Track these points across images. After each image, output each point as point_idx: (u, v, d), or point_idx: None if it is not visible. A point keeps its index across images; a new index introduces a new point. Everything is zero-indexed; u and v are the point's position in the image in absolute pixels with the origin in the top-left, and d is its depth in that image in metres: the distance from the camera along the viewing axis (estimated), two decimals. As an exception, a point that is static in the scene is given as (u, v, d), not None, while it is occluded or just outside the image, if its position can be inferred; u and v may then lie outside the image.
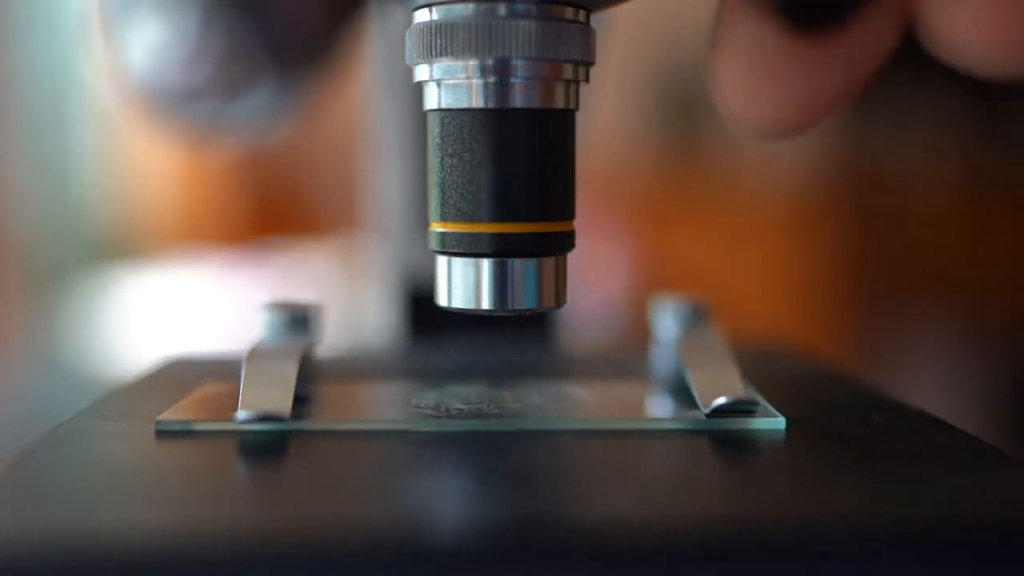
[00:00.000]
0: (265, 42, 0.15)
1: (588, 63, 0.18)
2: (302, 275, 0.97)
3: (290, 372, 0.21)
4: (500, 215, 0.18)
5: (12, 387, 0.93)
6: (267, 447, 0.19)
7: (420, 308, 0.36)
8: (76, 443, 0.19)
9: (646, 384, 0.24)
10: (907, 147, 1.06)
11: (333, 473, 0.18)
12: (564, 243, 0.19)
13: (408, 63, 0.18)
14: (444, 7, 0.18)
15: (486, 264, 0.18)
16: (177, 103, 0.15)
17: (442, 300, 0.19)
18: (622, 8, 0.21)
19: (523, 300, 0.18)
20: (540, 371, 0.27)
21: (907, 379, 0.96)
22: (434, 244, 0.19)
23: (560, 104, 0.18)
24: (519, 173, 0.18)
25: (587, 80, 0.19)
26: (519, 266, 0.18)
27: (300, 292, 0.38)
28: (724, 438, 0.19)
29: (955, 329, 1.01)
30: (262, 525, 0.15)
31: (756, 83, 0.18)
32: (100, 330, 0.98)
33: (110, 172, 1.15)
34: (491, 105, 0.18)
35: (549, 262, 0.18)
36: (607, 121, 1.04)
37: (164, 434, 0.19)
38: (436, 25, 0.17)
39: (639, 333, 0.28)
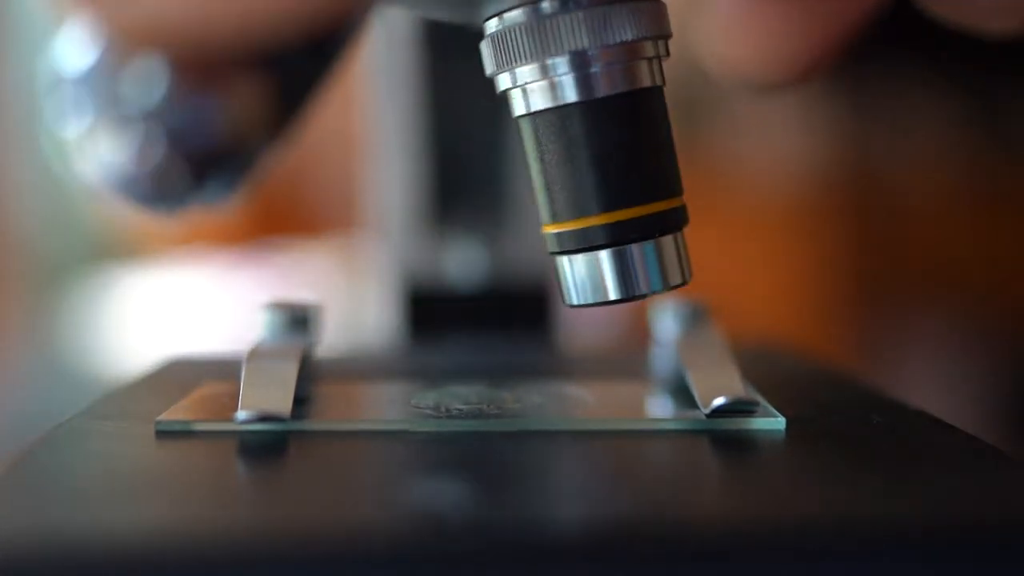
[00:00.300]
0: (204, 146, 0.14)
1: (666, 36, 0.18)
2: (302, 275, 0.97)
3: (290, 372, 0.21)
4: (609, 204, 0.18)
5: (12, 387, 0.93)
6: (267, 447, 0.19)
7: (420, 308, 0.36)
8: (76, 443, 0.19)
9: (646, 384, 0.24)
10: (907, 147, 1.06)
11: (333, 473, 0.18)
12: (678, 219, 0.18)
13: (489, 75, 0.18)
14: (511, 13, 0.18)
15: (605, 256, 0.18)
16: (133, 205, 0.14)
17: (569, 300, 0.19)
18: None
19: (649, 284, 0.18)
20: (540, 371, 0.27)
21: (907, 379, 0.96)
22: (551, 247, 0.19)
23: (647, 83, 0.18)
24: (620, 159, 0.18)
25: (668, 54, 0.18)
26: (638, 251, 0.18)
27: (300, 292, 0.38)
28: (724, 438, 0.19)
29: (955, 329, 1.01)
30: (262, 525, 0.15)
31: (742, 27, 0.18)
32: (100, 330, 0.98)
33: (110, 172, 1.15)
34: (580, 98, 0.17)
35: (667, 241, 0.18)
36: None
37: (164, 434, 0.19)
38: (510, 30, 0.17)
39: (639, 333, 0.28)
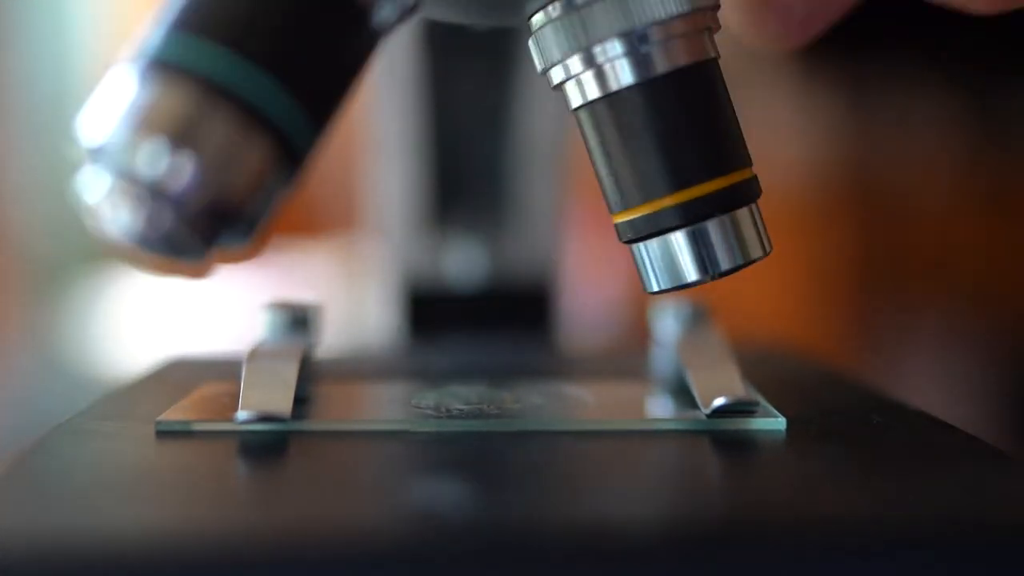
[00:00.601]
0: (211, 210, 0.15)
1: (716, 6, 0.18)
2: (302, 275, 0.97)
3: (290, 373, 0.21)
4: (678, 183, 0.17)
5: (12, 387, 0.93)
6: (267, 447, 0.19)
7: (420, 308, 0.36)
8: (76, 443, 0.19)
9: (646, 384, 0.24)
10: (907, 147, 1.06)
11: (333, 474, 0.18)
12: (750, 191, 0.18)
13: (541, 73, 0.18)
14: (553, 5, 0.17)
15: (680, 236, 0.18)
16: (154, 258, 0.15)
17: (650, 287, 0.18)
18: None
19: (731, 258, 0.18)
20: (540, 371, 0.27)
21: (907, 379, 0.96)
22: (624, 235, 0.18)
23: (702, 56, 0.17)
24: (684, 135, 0.17)
25: (719, 26, 0.18)
26: (714, 227, 0.18)
27: (300, 292, 0.38)
28: (724, 438, 0.19)
29: (955, 329, 1.01)
30: (262, 526, 0.15)
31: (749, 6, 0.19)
32: (100, 330, 0.98)
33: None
34: (636, 79, 0.17)
35: (743, 214, 0.18)
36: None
37: (164, 434, 0.19)
38: (555, 23, 0.17)
39: (639, 333, 0.28)
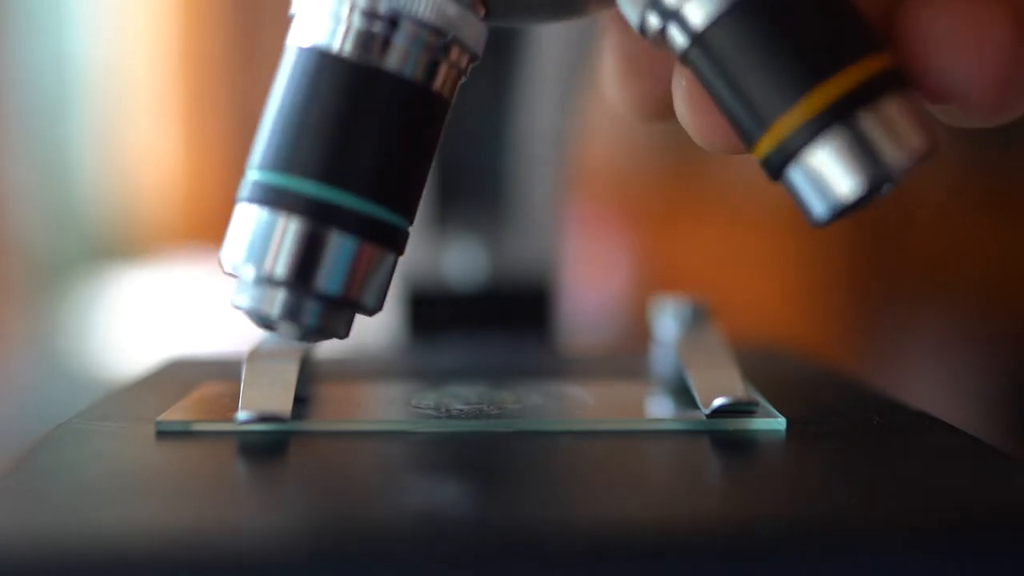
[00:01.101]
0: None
1: None
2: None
3: (290, 373, 0.21)
4: (812, 78, 0.16)
5: (12, 387, 0.93)
6: (267, 448, 0.19)
7: (420, 308, 0.36)
8: (76, 443, 0.19)
9: (646, 384, 0.24)
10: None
11: (333, 473, 0.18)
12: (897, 76, 0.16)
13: (637, 25, 0.17)
14: None
15: (829, 141, 0.16)
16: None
17: (815, 216, 0.16)
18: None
19: (894, 158, 0.16)
20: (540, 371, 0.27)
21: (907, 380, 0.96)
22: (770, 168, 0.16)
23: None
24: (807, 26, 0.16)
25: None
26: (869, 120, 0.15)
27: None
28: (724, 439, 0.19)
29: (955, 329, 1.01)
30: (261, 525, 0.15)
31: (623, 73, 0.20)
32: (100, 330, 0.98)
33: (110, 171, 1.15)
34: None
35: (892, 103, 0.16)
36: (609, 123, 1.04)
37: (164, 435, 0.19)
38: None
39: (639, 333, 0.28)
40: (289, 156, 0.17)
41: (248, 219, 0.18)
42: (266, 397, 0.20)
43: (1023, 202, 1.02)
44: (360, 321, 0.19)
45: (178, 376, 0.24)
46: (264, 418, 0.19)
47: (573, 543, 0.14)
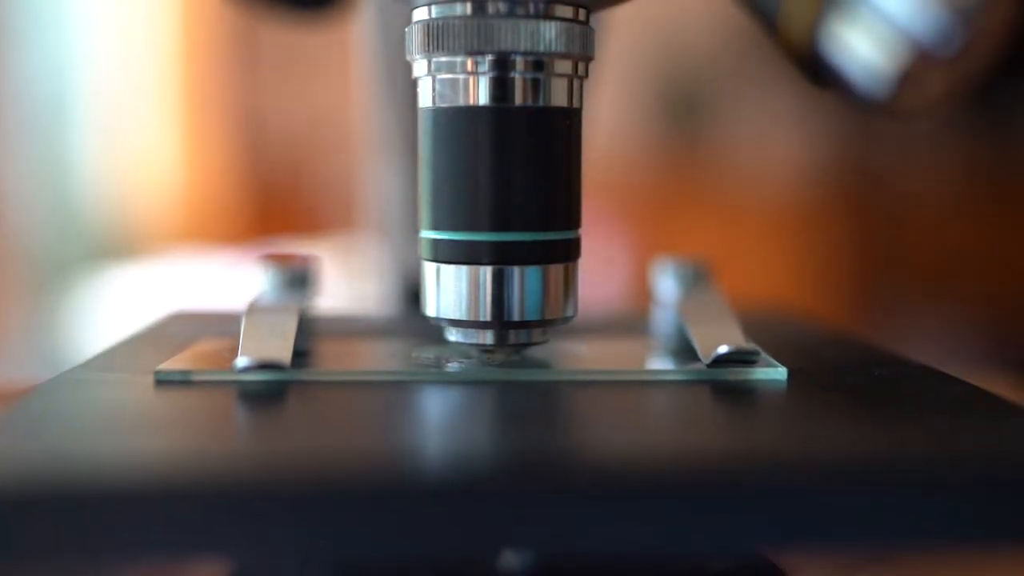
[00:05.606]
0: None
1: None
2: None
3: (289, 324, 0.21)
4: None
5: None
6: (266, 393, 0.19)
7: (420, 308, 0.36)
8: (74, 389, 0.19)
9: (647, 341, 0.24)
10: (907, 147, 1.06)
11: (331, 416, 0.18)
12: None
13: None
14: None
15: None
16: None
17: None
18: (622, 7, 0.21)
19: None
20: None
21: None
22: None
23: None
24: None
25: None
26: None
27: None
28: (725, 387, 0.19)
29: (955, 329, 1.01)
30: (257, 458, 0.15)
31: None
32: (100, 329, 0.98)
33: (110, 172, 1.15)
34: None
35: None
36: (608, 120, 1.04)
37: (163, 383, 0.19)
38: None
39: (640, 298, 0.28)
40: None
41: None
42: (265, 346, 0.20)
43: (1023, 202, 1.02)
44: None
45: (179, 330, 0.24)
46: (263, 365, 0.19)
47: (571, 480, 0.14)
